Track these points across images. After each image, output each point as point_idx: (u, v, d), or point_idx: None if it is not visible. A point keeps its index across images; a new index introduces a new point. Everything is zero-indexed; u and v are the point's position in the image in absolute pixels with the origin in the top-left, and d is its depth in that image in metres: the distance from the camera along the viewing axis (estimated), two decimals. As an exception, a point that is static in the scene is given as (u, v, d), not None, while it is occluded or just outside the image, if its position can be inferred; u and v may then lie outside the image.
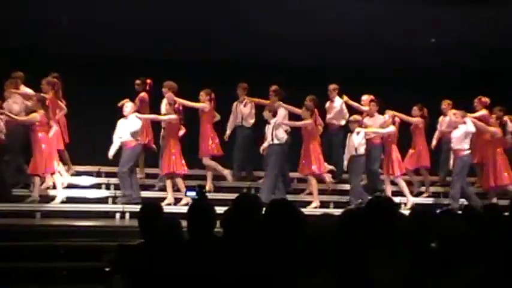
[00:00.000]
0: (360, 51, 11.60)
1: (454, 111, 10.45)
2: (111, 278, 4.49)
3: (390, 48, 11.66)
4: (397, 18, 11.13)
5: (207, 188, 9.80)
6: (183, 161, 9.85)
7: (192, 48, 11.42)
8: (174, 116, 9.81)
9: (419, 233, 3.38)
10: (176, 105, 9.95)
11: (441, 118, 10.93)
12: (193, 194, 7.89)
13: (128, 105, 9.85)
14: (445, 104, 10.78)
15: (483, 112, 10.72)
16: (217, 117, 10.53)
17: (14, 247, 7.42)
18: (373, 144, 10.37)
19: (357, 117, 10.40)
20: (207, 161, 10.30)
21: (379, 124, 10.44)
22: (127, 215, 9.44)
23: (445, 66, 12.21)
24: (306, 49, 11.51)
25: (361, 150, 10.13)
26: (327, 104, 10.93)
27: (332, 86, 10.85)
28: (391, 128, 10.37)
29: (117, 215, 9.53)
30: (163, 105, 10.18)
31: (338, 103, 10.81)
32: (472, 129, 10.22)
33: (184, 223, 4.15)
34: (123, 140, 9.69)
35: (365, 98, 10.89)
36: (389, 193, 10.16)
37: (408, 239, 3.32)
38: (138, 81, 10.41)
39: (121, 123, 9.78)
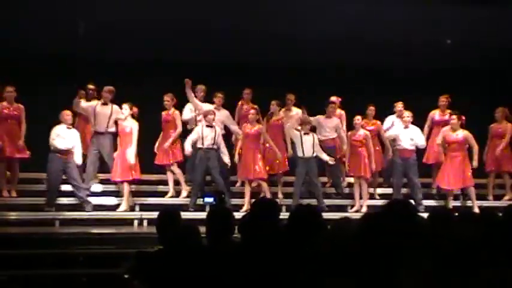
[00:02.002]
0: (361, 51, 11.55)
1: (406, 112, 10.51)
2: (130, 284, 4.51)
3: (391, 48, 11.60)
4: (398, 18, 11.10)
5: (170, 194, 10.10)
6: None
7: (192, 49, 11.38)
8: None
9: (437, 236, 3.36)
10: (135, 110, 9.88)
11: (393, 119, 10.84)
12: (211, 200, 7.92)
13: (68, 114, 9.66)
14: (400, 105, 10.76)
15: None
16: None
17: (34, 255, 7.48)
18: (327, 146, 10.35)
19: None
20: (175, 169, 10.21)
21: (333, 126, 10.42)
22: (145, 222, 9.46)
23: (446, 67, 12.13)
24: (306, 49, 11.47)
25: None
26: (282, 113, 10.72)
27: (292, 97, 10.71)
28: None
29: (135, 222, 9.56)
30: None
31: (295, 111, 10.67)
32: (423, 145, 10.42)
33: (202, 229, 4.16)
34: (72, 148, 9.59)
35: (333, 99, 10.79)
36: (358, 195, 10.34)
37: (427, 241, 3.30)
38: (91, 87, 10.23)
39: (72, 132, 9.62)
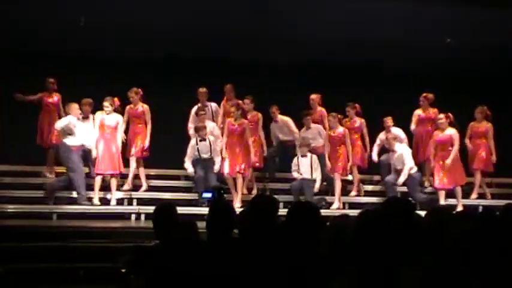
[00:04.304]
0: (369, 50, 11.55)
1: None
2: (127, 278, 4.51)
3: (397, 48, 11.58)
4: (405, 17, 11.08)
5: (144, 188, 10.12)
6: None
7: (192, 48, 11.38)
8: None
9: (437, 234, 3.37)
10: (117, 104, 9.91)
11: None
12: (209, 195, 7.90)
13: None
14: (389, 121, 10.74)
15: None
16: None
17: (31, 248, 7.48)
18: (318, 153, 10.44)
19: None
20: (132, 162, 10.15)
21: (314, 134, 10.53)
22: (142, 216, 9.47)
23: (445, 66, 12.12)
24: (307, 49, 11.45)
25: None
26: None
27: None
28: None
29: (133, 216, 9.57)
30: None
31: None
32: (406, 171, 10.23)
33: (199, 224, 4.17)
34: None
35: (313, 96, 10.85)
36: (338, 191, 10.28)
37: (427, 239, 3.31)
38: (51, 80, 10.24)
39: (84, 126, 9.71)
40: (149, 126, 10.11)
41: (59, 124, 9.58)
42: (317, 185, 10.24)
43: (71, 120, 9.52)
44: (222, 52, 11.48)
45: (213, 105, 10.76)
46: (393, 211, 3.42)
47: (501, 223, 3.78)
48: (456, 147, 10.15)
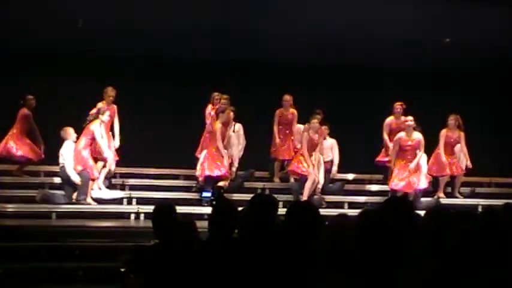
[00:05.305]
0: (371, 50, 11.56)
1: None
2: (127, 278, 4.51)
3: (400, 47, 11.57)
4: (406, 16, 11.09)
5: None
6: None
7: (192, 48, 11.39)
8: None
9: (437, 234, 3.37)
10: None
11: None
12: (208, 194, 7.92)
13: None
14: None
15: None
16: None
17: (30, 247, 7.47)
18: None
19: None
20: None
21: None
22: (142, 216, 9.46)
23: (448, 67, 12.12)
24: (307, 48, 11.46)
25: None
26: None
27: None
28: None
29: (132, 216, 9.56)
30: None
31: None
32: None
33: (199, 223, 4.17)
34: None
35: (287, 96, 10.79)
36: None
37: (426, 239, 3.31)
38: (31, 97, 10.01)
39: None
40: (117, 127, 10.03)
41: (69, 157, 9.44)
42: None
43: (71, 146, 9.49)
44: (222, 52, 11.48)
45: (237, 125, 10.64)
46: (393, 211, 3.41)
47: (501, 223, 3.77)
48: (422, 151, 10.14)
